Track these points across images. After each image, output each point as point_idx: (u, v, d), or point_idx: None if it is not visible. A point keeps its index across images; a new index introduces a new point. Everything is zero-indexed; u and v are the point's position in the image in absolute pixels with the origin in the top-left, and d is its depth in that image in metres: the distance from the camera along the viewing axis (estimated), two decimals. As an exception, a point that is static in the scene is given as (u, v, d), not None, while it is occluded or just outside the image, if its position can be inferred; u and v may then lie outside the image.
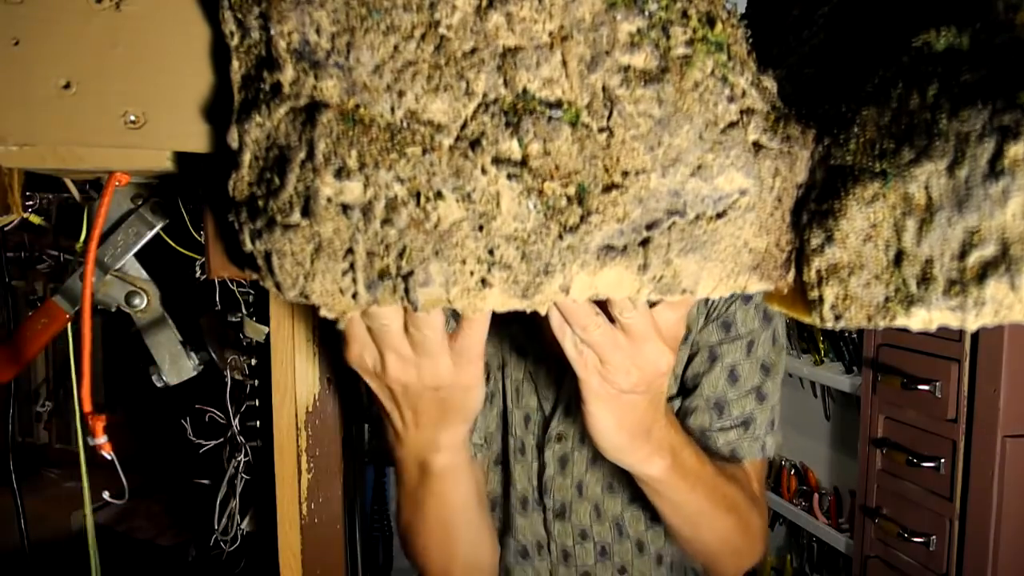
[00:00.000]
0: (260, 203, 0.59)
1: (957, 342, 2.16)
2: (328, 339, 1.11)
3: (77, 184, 0.87)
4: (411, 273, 0.58)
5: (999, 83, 0.52)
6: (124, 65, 0.66)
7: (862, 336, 2.57)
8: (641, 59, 0.58)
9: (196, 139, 0.67)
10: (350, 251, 0.58)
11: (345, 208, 0.57)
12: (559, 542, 1.38)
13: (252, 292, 1.21)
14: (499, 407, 1.35)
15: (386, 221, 0.57)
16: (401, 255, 0.57)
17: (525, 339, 1.30)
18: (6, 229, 0.86)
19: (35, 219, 0.88)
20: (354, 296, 0.59)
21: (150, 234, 0.76)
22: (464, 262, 0.58)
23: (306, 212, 0.57)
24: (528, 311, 0.60)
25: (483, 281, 0.58)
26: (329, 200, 0.57)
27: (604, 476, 1.34)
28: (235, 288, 1.18)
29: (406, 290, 0.58)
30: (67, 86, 0.65)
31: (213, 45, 0.65)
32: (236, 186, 0.61)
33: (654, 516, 1.37)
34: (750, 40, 0.61)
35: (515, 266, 0.58)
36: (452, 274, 0.58)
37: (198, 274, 1.14)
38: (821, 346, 2.90)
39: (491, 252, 0.58)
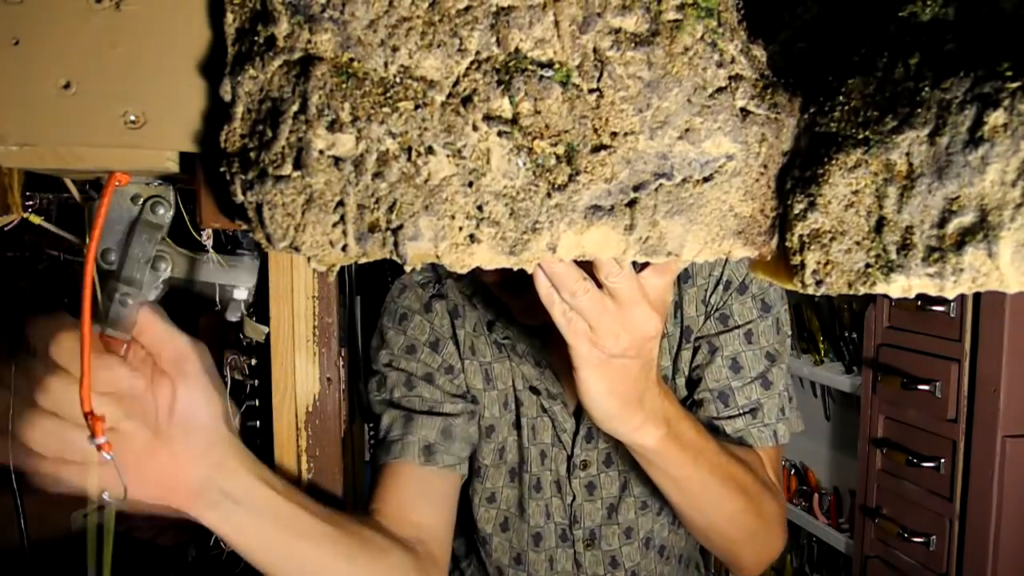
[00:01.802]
0: (252, 155, 0.60)
1: (957, 342, 2.17)
2: (327, 339, 1.13)
3: (77, 184, 0.88)
4: (401, 227, 0.59)
5: (981, 53, 0.53)
6: (124, 65, 0.66)
7: (862, 336, 2.57)
8: (632, 22, 0.59)
9: (196, 139, 0.68)
10: (341, 203, 0.59)
11: (337, 161, 0.58)
12: (590, 573, 1.40)
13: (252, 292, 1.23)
14: (498, 442, 1.38)
15: (377, 175, 0.58)
16: (391, 209, 0.59)
17: (538, 377, 1.34)
18: (6, 229, 0.86)
19: (35, 219, 0.88)
20: (344, 248, 0.60)
21: (160, 234, 0.77)
22: (453, 217, 0.59)
23: (298, 164, 0.58)
24: (515, 268, 0.61)
25: (472, 237, 0.60)
26: (321, 152, 0.58)
27: (637, 497, 1.37)
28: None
29: (395, 244, 0.59)
30: (67, 86, 0.65)
31: (213, 45, 0.66)
32: (228, 138, 0.62)
33: (676, 520, 1.41)
34: (741, 8, 0.62)
35: (503, 223, 0.59)
36: (441, 229, 0.59)
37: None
38: (821, 346, 2.90)
39: (480, 208, 0.59)
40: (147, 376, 0.79)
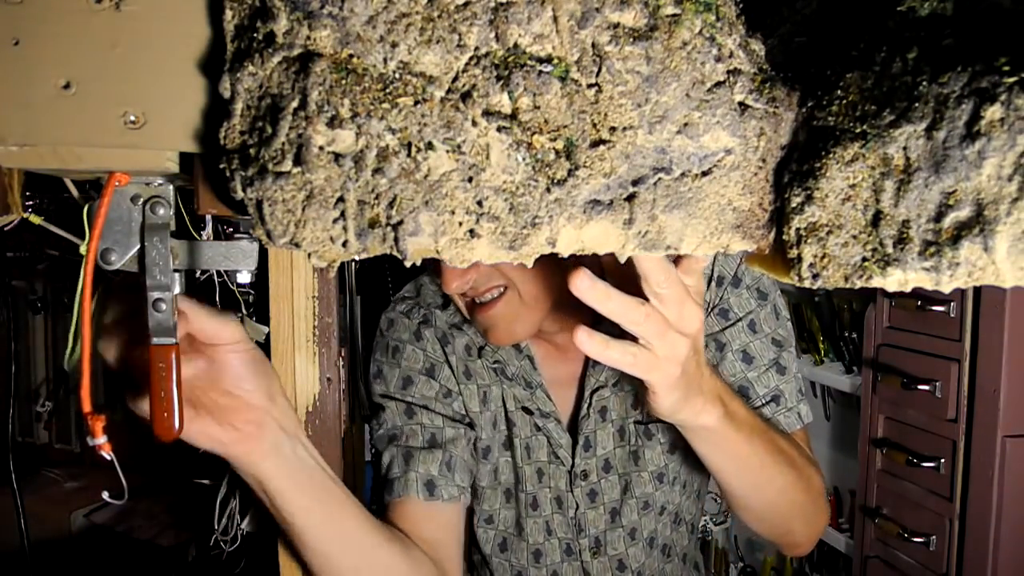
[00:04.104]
0: (252, 151, 0.60)
1: (957, 342, 2.16)
2: (327, 339, 1.13)
3: (77, 184, 0.88)
4: (401, 222, 0.59)
5: (979, 47, 0.53)
6: (124, 65, 0.66)
7: (862, 336, 2.57)
8: (630, 17, 0.59)
9: (195, 139, 0.68)
10: (341, 199, 0.59)
11: (337, 157, 0.58)
12: None
13: (252, 292, 1.23)
14: (496, 464, 1.40)
15: (377, 170, 0.58)
16: (391, 204, 0.59)
17: (529, 398, 1.36)
18: (6, 229, 0.87)
19: (35, 219, 0.88)
20: (344, 244, 0.60)
21: (167, 233, 0.78)
22: (453, 212, 0.59)
23: (298, 160, 0.58)
24: (514, 263, 0.62)
25: (471, 232, 0.60)
26: (321, 148, 0.58)
27: (638, 499, 1.39)
28: (235, 288, 1.19)
29: (395, 239, 0.59)
30: (67, 86, 0.66)
31: (212, 43, 0.66)
32: (228, 135, 0.62)
33: (677, 519, 1.44)
34: (740, 2, 0.62)
35: (503, 218, 0.60)
36: (441, 224, 0.59)
37: (197, 274, 1.15)
38: (821, 346, 2.89)
39: (480, 203, 0.59)
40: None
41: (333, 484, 1.00)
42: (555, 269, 1.08)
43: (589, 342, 0.79)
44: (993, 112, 0.51)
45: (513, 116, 0.58)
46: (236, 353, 0.88)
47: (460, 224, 0.60)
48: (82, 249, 0.78)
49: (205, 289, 1.20)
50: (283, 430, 0.93)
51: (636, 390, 1.19)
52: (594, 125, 0.59)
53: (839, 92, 0.59)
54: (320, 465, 0.99)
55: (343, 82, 0.58)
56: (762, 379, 1.26)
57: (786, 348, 1.28)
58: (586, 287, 0.75)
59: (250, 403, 0.90)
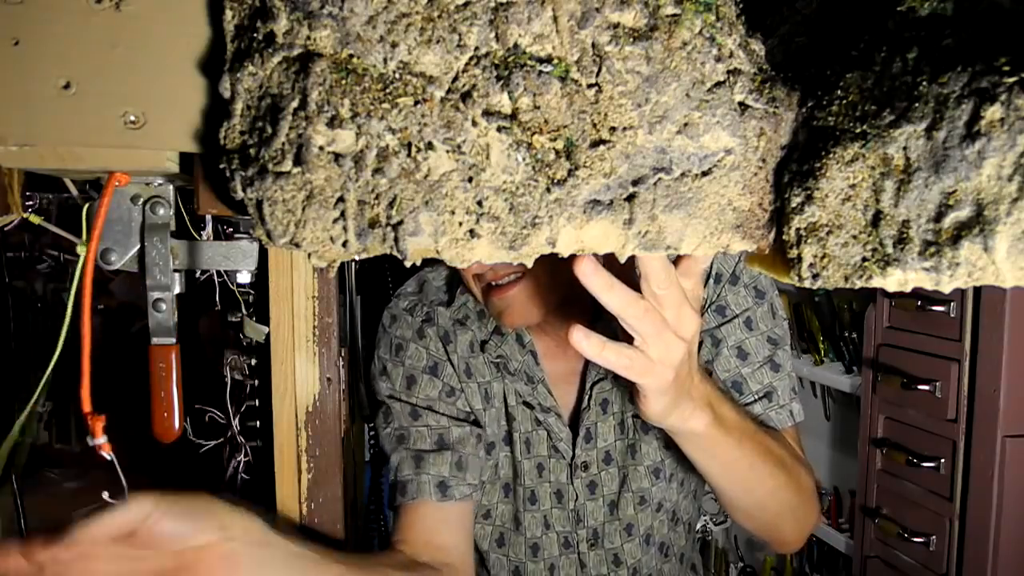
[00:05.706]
0: (252, 151, 0.60)
1: (957, 342, 2.16)
2: (327, 339, 1.12)
3: (77, 184, 0.88)
4: (401, 223, 0.59)
5: (979, 47, 0.53)
6: (124, 65, 0.66)
7: (862, 336, 2.57)
8: (630, 17, 0.59)
9: (195, 139, 0.68)
10: (341, 199, 0.59)
11: (337, 157, 0.58)
12: (594, 573, 1.42)
13: (252, 292, 1.23)
14: (496, 459, 1.40)
15: (377, 170, 0.58)
16: (391, 204, 0.59)
17: (531, 393, 1.36)
18: (6, 229, 0.87)
19: (35, 219, 0.88)
20: (344, 244, 0.60)
21: (167, 233, 0.78)
22: (453, 213, 0.59)
23: (298, 160, 0.58)
24: (515, 263, 0.62)
25: (471, 232, 0.60)
26: (321, 149, 0.58)
27: (635, 493, 1.39)
28: (235, 288, 1.19)
29: (395, 239, 0.59)
30: (67, 86, 0.66)
31: (212, 43, 0.66)
32: (228, 135, 0.62)
33: (675, 518, 1.43)
34: (740, 2, 0.62)
35: (503, 218, 0.60)
36: (441, 224, 0.59)
37: (197, 274, 1.15)
38: (821, 346, 2.89)
39: (480, 203, 0.59)
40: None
41: (306, 562, 0.98)
42: (566, 263, 1.08)
43: (585, 342, 0.79)
44: (993, 112, 0.51)
45: (513, 116, 0.58)
46: (154, 525, 0.81)
47: (460, 224, 0.60)
48: (81, 249, 0.78)
49: (205, 289, 1.20)
50: (249, 542, 0.89)
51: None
52: (594, 125, 0.59)
53: (839, 92, 0.59)
54: (290, 543, 0.96)
55: (343, 82, 0.58)
56: (756, 375, 1.26)
57: (781, 346, 1.29)
58: (590, 272, 0.75)
59: (204, 546, 0.85)
